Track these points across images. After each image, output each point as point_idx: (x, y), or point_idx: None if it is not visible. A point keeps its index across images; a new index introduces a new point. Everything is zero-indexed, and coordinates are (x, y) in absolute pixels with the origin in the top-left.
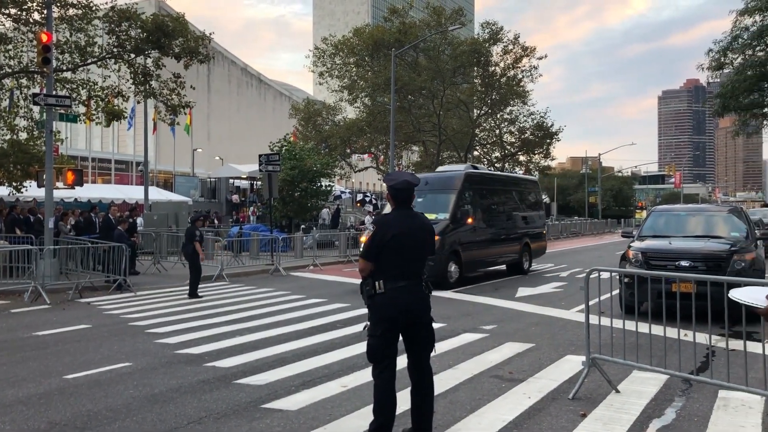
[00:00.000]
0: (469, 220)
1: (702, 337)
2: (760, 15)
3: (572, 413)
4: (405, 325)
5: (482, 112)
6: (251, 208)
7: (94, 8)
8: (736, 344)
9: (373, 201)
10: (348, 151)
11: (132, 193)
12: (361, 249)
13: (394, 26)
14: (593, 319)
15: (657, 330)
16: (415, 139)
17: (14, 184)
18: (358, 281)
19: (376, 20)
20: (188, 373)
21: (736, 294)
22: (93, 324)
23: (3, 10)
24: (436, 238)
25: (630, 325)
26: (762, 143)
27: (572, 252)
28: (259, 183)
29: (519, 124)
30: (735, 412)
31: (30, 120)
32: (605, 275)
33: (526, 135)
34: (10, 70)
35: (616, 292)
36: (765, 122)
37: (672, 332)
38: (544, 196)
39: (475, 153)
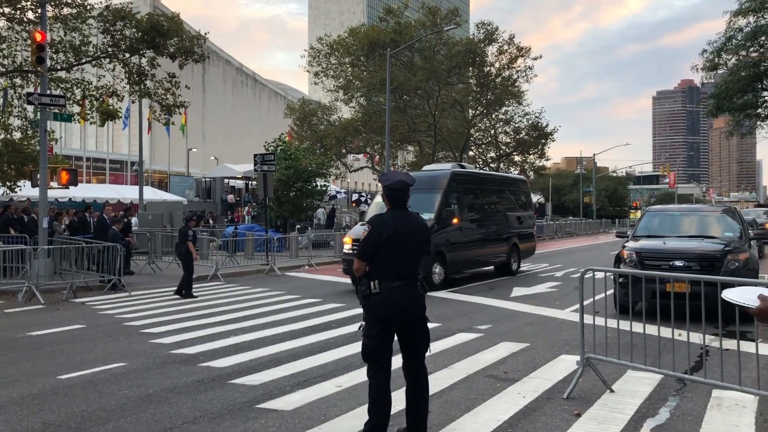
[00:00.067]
0: (455, 221)
1: (696, 337)
2: (753, 16)
3: (567, 413)
4: (400, 325)
5: (477, 112)
6: (246, 208)
7: (88, 7)
8: (729, 344)
9: (369, 201)
10: (343, 151)
11: (127, 192)
12: (344, 249)
13: (390, 26)
14: (588, 319)
15: (651, 330)
16: (411, 139)
17: (8, 183)
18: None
19: (372, 20)
20: (183, 373)
21: (728, 294)
22: (87, 324)
23: None
24: None
25: (624, 324)
26: (756, 144)
27: (567, 252)
28: (254, 183)
29: (514, 124)
30: (728, 411)
31: (24, 119)
32: (600, 275)
33: (521, 135)
34: (3, 69)
35: (610, 291)
36: (759, 123)
37: (666, 332)
38: (539, 197)
39: (471, 153)
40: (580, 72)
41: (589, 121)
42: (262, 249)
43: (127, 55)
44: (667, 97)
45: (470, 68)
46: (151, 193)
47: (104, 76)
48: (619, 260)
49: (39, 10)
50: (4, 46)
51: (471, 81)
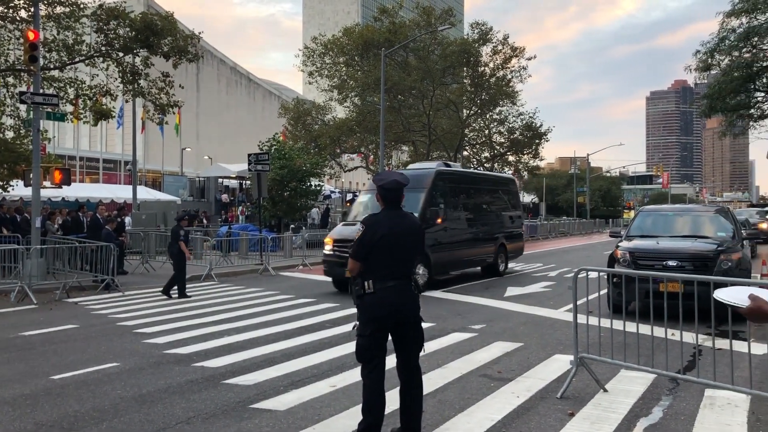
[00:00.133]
0: (440, 220)
1: (689, 337)
2: (746, 17)
3: (560, 412)
4: (394, 325)
5: (472, 112)
6: (240, 208)
7: (81, 6)
8: (722, 343)
9: None
10: (338, 150)
11: (120, 192)
12: (324, 250)
13: (384, 26)
14: (581, 319)
15: (644, 329)
16: (405, 138)
17: (1, 183)
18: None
19: (366, 20)
20: (176, 374)
21: (719, 294)
22: (80, 324)
23: None
24: None
25: (618, 324)
26: (748, 144)
27: (561, 252)
28: (248, 182)
29: (508, 124)
30: (721, 410)
31: (17, 118)
32: (593, 275)
33: (516, 135)
34: None
35: (604, 291)
36: (751, 123)
37: (659, 331)
38: (533, 197)
39: (465, 153)
40: (575, 72)
41: (582, 122)
42: (256, 249)
43: (121, 54)
44: (660, 97)
45: (464, 68)
46: (145, 193)
47: (98, 76)
48: (612, 260)
49: (32, 9)
50: None
51: (465, 81)
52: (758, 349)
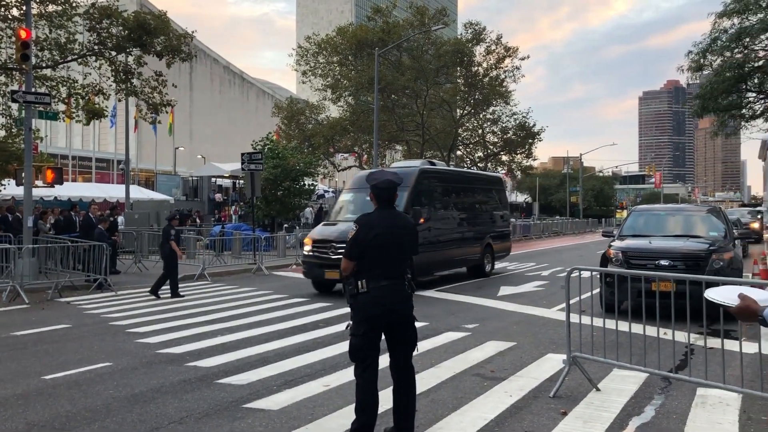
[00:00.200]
0: (422, 220)
1: (681, 336)
2: (738, 17)
3: (553, 411)
4: (387, 325)
5: (465, 111)
6: (233, 207)
7: (74, 5)
8: (714, 342)
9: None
10: (331, 150)
11: (113, 191)
12: (303, 250)
13: (378, 26)
14: (574, 318)
15: (637, 328)
16: (399, 138)
17: None
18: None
19: (360, 19)
20: (169, 373)
21: (710, 293)
22: (73, 324)
23: None
24: None
25: (610, 323)
26: (740, 144)
27: (553, 251)
28: (241, 182)
29: (501, 124)
30: (713, 409)
31: (9, 117)
32: (586, 274)
33: (509, 135)
34: None
35: (596, 291)
36: (743, 123)
37: (651, 331)
38: (526, 196)
39: (458, 152)
40: (567, 72)
41: (576, 121)
42: (249, 248)
43: (114, 53)
44: (653, 97)
45: (458, 68)
46: (138, 192)
47: (90, 74)
48: (605, 259)
49: (24, 7)
50: None
51: (459, 81)
52: (749, 347)
